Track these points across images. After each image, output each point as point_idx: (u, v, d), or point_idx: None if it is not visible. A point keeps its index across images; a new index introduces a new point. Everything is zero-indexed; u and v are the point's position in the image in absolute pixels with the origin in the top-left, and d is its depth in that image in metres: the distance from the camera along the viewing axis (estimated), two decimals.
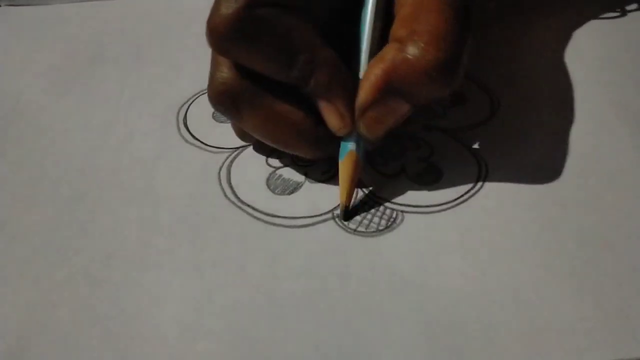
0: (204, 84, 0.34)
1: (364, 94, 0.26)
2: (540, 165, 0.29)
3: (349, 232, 0.27)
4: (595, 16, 0.37)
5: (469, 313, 0.24)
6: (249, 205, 0.28)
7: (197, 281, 0.26)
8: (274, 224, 0.28)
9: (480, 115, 0.32)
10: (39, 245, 0.27)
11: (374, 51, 0.27)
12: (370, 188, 0.29)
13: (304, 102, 0.27)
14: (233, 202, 0.29)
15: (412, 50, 0.25)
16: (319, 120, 0.27)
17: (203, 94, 0.34)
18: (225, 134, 0.32)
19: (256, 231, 0.27)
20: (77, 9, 0.40)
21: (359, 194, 0.29)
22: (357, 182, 0.28)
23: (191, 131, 0.32)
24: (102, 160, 0.31)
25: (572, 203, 0.28)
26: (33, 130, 0.32)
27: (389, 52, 0.26)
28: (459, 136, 0.31)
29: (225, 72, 0.27)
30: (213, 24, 0.25)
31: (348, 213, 0.28)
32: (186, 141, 0.32)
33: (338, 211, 0.28)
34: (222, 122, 0.33)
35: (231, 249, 0.27)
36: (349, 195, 0.28)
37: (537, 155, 0.30)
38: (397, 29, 0.26)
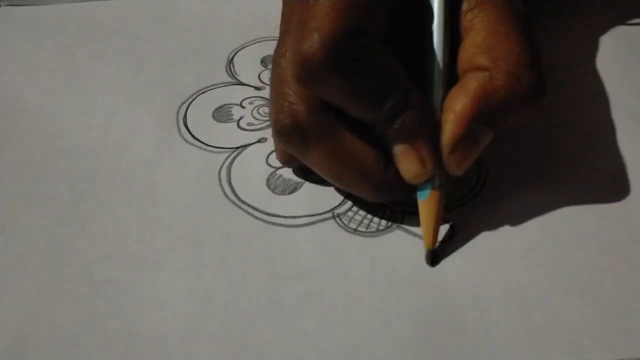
0: (204, 83, 0.35)
1: (453, 128, 0.24)
2: (541, 166, 0.29)
3: (349, 232, 0.27)
4: (622, 21, 0.37)
5: (469, 313, 0.24)
6: (249, 205, 0.28)
7: (197, 281, 0.26)
8: (274, 224, 0.28)
9: None
10: (39, 245, 0.27)
11: (446, 80, 0.26)
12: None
13: (375, 141, 0.25)
14: (233, 202, 0.29)
15: (501, 77, 0.24)
16: (389, 163, 0.25)
17: (203, 93, 0.34)
18: (225, 134, 0.32)
19: (256, 231, 0.27)
20: (77, 9, 0.40)
21: (355, 196, 0.29)
22: (440, 223, 0.26)
23: (191, 131, 0.32)
24: (102, 160, 0.31)
25: (572, 203, 0.28)
26: (33, 130, 0.32)
27: (472, 81, 0.24)
28: None
29: (296, 103, 0.25)
30: (306, 53, 0.23)
31: (435, 255, 0.26)
32: (186, 141, 0.32)
33: (338, 210, 0.28)
34: (222, 122, 0.33)
35: (231, 249, 0.27)
36: (435, 240, 0.26)
37: (537, 155, 0.30)
38: (475, 57, 0.25)
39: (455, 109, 0.24)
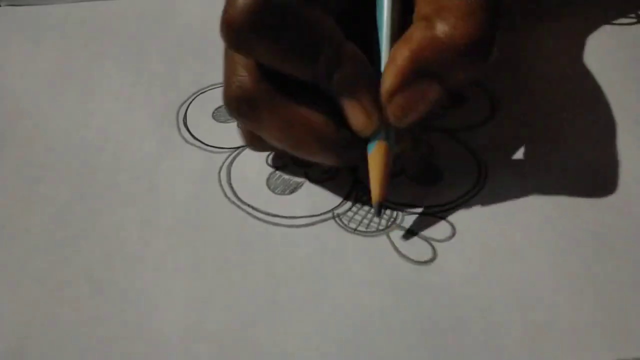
0: (204, 83, 0.35)
1: (390, 78, 0.24)
2: (540, 166, 0.29)
3: (349, 232, 0.27)
4: (608, 21, 0.37)
5: (469, 313, 0.24)
6: (249, 205, 0.28)
7: (197, 281, 0.26)
8: (274, 224, 0.28)
9: (480, 115, 0.32)
10: (39, 245, 0.27)
11: (395, 35, 0.25)
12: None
13: (326, 106, 0.25)
14: (233, 202, 0.29)
15: (441, 27, 0.23)
16: (342, 125, 0.26)
17: (202, 92, 0.34)
18: (225, 133, 0.32)
19: (256, 231, 0.27)
20: (77, 9, 0.40)
21: (359, 193, 0.29)
22: (389, 176, 0.26)
23: (191, 131, 0.32)
24: (102, 160, 0.31)
25: (572, 203, 0.28)
26: (33, 130, 0.32)
27: (415, 31, 0.24)
28: (459, 136, 0.31)
29: (242, 74, 0.25)
30: (229, 17, 0.23)
31: (381, 209, 0.26)
32: (186, 141, 0.32)
33: (338, 210, 0.28)
34: (222, 122, 0.33)
35: (231, 249, 0.27)
36: (383, 192, 0.26)
37: (537, 155, 0.30)
38: (422, 7, 0.24)
39: (394, 60, 0.24)
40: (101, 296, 0.25)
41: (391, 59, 0.25)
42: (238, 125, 0.31)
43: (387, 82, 0.24)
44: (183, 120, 0.33)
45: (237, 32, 0.23)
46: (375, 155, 0.26)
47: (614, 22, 0.37)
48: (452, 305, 0.25)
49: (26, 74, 0.36)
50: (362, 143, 0.26)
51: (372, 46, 0.26)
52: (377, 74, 0.25)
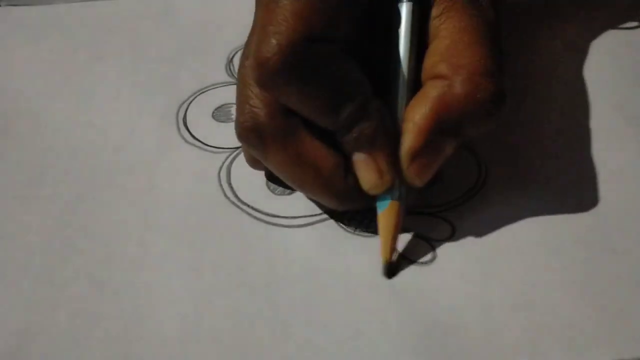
0: (204, 83, 0.35)
1: (412, 138, 0.24)
2: (540, 166, 0.29)
3: (349, 232, 0.27)
4: (612, 26, 0.37)
5: (469, 314, 0.24)
6: (249, 205, 0.28)
7: (197, 281, 0.26)
8: (274, 224, 0.28)
9: None
10: (39, 245, 0.27)
11: (411, 87, 0.25)
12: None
13: (337, 149, 0.25)
14: (233, 202, 0.29)
15: (461, 85, 0.24)
16: (349, 171, 0.25)
17: (202, 93, 0.34)
18: (225, 134, 0.32)
19: (256, 231, 0.27)
20: (77, 9, 0.40)
21: None
22: (398, 236, 0.26)
23: (191, 131, 0.32)
24: (102, 160, 0.31)
25: (572, 203, 0.28)
26: (33, 130, 0.32)
27: (432, 89, 0.24)
28: None
29: (258, 106, 0.25)
30: (261, 56, 0.23)
31: (392, 268, 0.26)
32: (186, 141, 0.31)
33: (338, 211, 0.28)
34: (222, 121, 0.33)
35: (231, 249, 0.27)
36: (392, 251, 0.25)
37: (537, 156, 0.30)
38: (436, 65, 0.24)
39: (415, 119, 0.24)
40: (101, 296, 0.25)
41: (409, 118, 0.24)
42: (213, 116, 0.31)
43: (408, 142, 0.24)
44: (183, 120, 0.33)
45: (268, 73, 0.23)
46: (388, 215, 0.25)
47: (619, 26, 0.36)
48: (452, 305, 0.25)
49: (26, 74, 0.36)
50: (367, 194, 0.25)
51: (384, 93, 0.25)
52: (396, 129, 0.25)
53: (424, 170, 0.25)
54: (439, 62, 0.24)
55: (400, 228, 0.26)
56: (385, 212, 0.25)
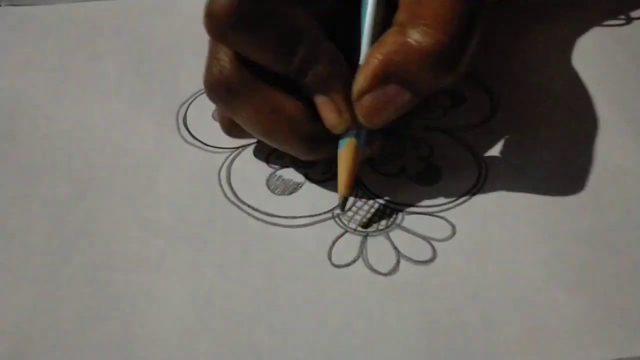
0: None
1: (361, 79, 0.25)
2: (540, 165, 0.29)
3: (349, 232, 0.27)
4: (599, 23, 0.37)
5: (469, 313, 0.24)
6: (249, 205, 0.28)
7: (197, 281, 0.26)
8: (274, 224, 0.28)
9: (480, 115, 0.32)
10: (39, 245, 0.27)
11: (376, 37, 0.26)
12: (371, 188, 0.29)
13: (302, 99, 0.26)
14: (233, 202, 0.29)
15: (413, 34, 0.24)
16: (316, 118, 0.26)
17: (202, 93, 0.34)
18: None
19: (256, 231, 0.27)
20: (77, 9, 0.40)
21: (359, 193, 0.29)
22: (356, 173, 0.27)
23: (191, 131, 0.32)
24: (102, 160, 0.31)
25: (572, 203, 0.28)
26: (33, 130, 0.32)
27: (389, 36, 0.25)
28: (459, 136, 0.31)
29: (223, 59, 0.26)
30: (212, 10, 0.24)
31: (345, 204, 0.27)
32: (186, 141, 0.32)
33: (338, 211, 0.28)
34: None
35: (231, 249, 0.27)
36: (349, 186, 0.27)
37: (537, 156, 0.30)
38: (400, 13, 0.25)
39: (369, 63, 0.25)
40: (101, 296, 0.25)
41: (365, 61, 0.25)
42: (213, 116, 0.32)
43: (358, 82, 0.25)
44: (183, 120, 0.33)
45: (217, 25, 0.25)
46: (344, 152, 0.26)
47: (604, 23, 0.37)
48: (452, 305, 0.25)
49: (26, 74, 0.36)
50: (334, 139, 0.27)
51: (356, 45, 0.26)
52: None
53: (372, 111, 0.25)
54: (402, 10, 0.25)
55: (358, 164, 0.27)
56: (344, 148, 0.26)
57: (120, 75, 0.35)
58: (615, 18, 0.37)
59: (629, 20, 0.37)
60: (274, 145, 0.28)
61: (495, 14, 0.37)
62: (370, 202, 0.28)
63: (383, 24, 0.26)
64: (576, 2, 0.38)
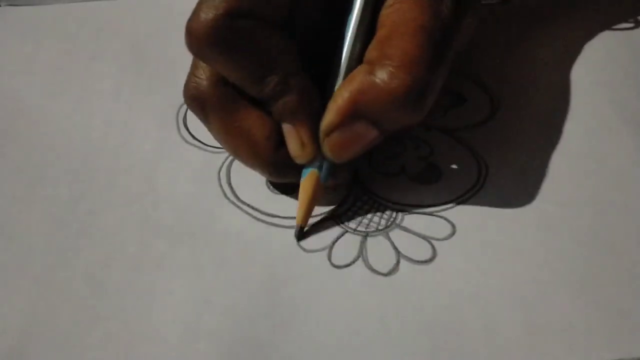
0: None
1: (329, 116, 0.25)
2: (540, 165, 0.29)
3: (349, 232, 0.27)
4: (607, 26, 0.37)
5: (469, 313, 0.24)
6: (249, 205, 0.28)
7: (197, 281, 0.26)
8: (274, 224, 0.28)
9: (480, 115, 0.32)
10: (39, 245, 0.27)
11: (350, 70, 0.26)
12: (371, 188, 0.29)
13: (275, 123, 0.26)
14: (233, 202, 0.29)
15: (380, 74, 0.24)
16: (283, 144, 0.26)
17: None
18: None
19: (256, 231, 0.27)
20: (77, 9, 0.40)
21: (359, 193, 0.29)
22: (315, 204, 0.27)
23: (191, 131, 0.32)
24: (102, 160, 0.31)
25: (572, 203, 0.28)
26: (33, 130, 0.32)
27: (358, 74, 0.25)
28: (459, 136, 0.31)
29: (201, 76, 0.26)
30: (190, 26, 0.25)
31: (302, 234, 0.27)
32: (186, 141, 0.32)
33: (338, 210, 0.28)
34: None
35: (231, 249, 0.27)
36: (305, 217, 0.27)
37: (537, 155, 0.30)
38: (370, 51, 0.25)
39: (336, 99, 0.25)
40: (101, 296, 0.25)
41: (334, 97, 0.25)
42: None
43: (326, 119, 0.25)
44: (183, 120, 0.33)
45: (196, 42, 0.25)
46: (305, 183, 0.27)
47: (614, 27, 0.37)
48: (452, 305, 0.25)
49: (26, 74, 0.36)
50: (299, 166, 0.27)
51: (334, 67, 0.26)
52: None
53: (338, 148, 0.26)
54: (372, 49, 0.25)
55: (318, 197, 0.27)
56: (305, 180, 0.27)
57: (120, 75, 0.35)
58: (625, 21, 0.37)
59: (638, 24, 0.37)
60: (240, 161, 0.28)
61: (495, 13, 0.37)
62: (371, 202, 0.28)
63: (360, 56, 0.26)
64: (582, 5, 0.38)
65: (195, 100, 0.27)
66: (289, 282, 0.26)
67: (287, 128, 0.26)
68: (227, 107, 0.26)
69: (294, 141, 0.26)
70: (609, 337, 0.23)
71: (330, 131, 0.25)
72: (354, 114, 0.25)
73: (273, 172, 0.27)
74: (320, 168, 0.27)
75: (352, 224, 0.28)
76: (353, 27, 0.26)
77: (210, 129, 0.27)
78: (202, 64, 0.26)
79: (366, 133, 0.25)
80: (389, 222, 0.27)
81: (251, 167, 0.27)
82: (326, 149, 0.26)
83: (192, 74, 0.27)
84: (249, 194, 0.29)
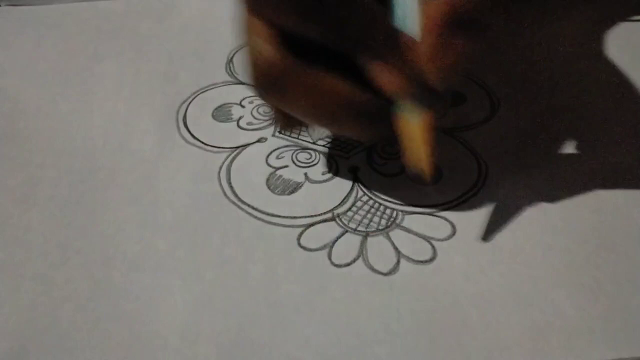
0: (204, 83, 0.35)
1: (427, 36, 0.23)
2: (540, 165, 0.29)
3: (349, 232, 0.27)
4: (608, 27, 0.37)
5: (469, 312, 0.24)
6: (249, 205, 0.28)
7: (197, 281, 0.26)
8: (274, 224, 0.28)
9: (480, 115, 0.32)
10: (39, 245, 0.27)
11: None
12: (371, 188, 0.29)
13: (354, 76, 0.24)
14: (233, 202, 0.29)
15: None
16: (368, 91, 0.24)
17: (202, 92, 0.34)
18: (225, 133, 0.32)
19: (256, 231, 0.27)
20: (77, 9, 0.40)
21: (359, 193, 0.29)
22: (430, 139, 0.25)
23: (191, 131, 0.32)
24: (102, 160, 0.31)
25: (572, 203, 0.28)
26: (33, 131, 0.32)
27: None
28: (459, 136, 0.31)
29: (267, 49, 0.24)
30: None
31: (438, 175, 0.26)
32: (186, 141, 0.32)
33: (338, 211, 0.28)
34: (222, 121, 0.33)
35: (231, 249, 0.27)
36: (431, 158, 0.25)
37: (537, 155, 0.30)
38: None
39: (430, 16, 0.23)
40: (101, 296, 0.25)
41: (425, 16, 0.24)
42: (213, 116, 0.32)
43: (425, 39, 0.24)
44: (183, 120, 0.33)
45: None
46: (414, 121, 0.25)
47: (613, 27, 0.36)
48: (452, 305, 0.25)
49: (26, 74, 0.36)
50: (390, 114, 0.25)
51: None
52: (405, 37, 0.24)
53: (442, 67, 0.24)
54: None
55: (429, 131, 0.25)
56: (412, 119, 0.25)
57: (120, 75, 0.35)
58: (623, 21, 0.37)
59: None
60: (335, 131, 0.26)
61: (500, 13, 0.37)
62: (370, 202, 0.28)
63: None
64: (580, 4, 0.38)
65: (271, 74, 0.24)
66: (289, 282, 0.26)
67: (378, 68, 0.24)
68: (305, 70, 0.24)
69: (390, 77, 0.24)
70: (609, 337, 0.23)
71: (430, 52, 0.23)
72: (451, 25, 0.23)
73: (370, 124, 0.25)
74: (419, 101, 0.24)
75: (352, 224, 0.28)
76: None
77: (290, 102, 0.25)
78: (262, 40, 0.24)
79: (464, 44, 0.24)
80: (389, 222, 0.27)
81: (344, 124, 0.25)
82: (431, 73, 0.24)
83: (254, 51, 0.25)
84: (249, 194, 0.29)
